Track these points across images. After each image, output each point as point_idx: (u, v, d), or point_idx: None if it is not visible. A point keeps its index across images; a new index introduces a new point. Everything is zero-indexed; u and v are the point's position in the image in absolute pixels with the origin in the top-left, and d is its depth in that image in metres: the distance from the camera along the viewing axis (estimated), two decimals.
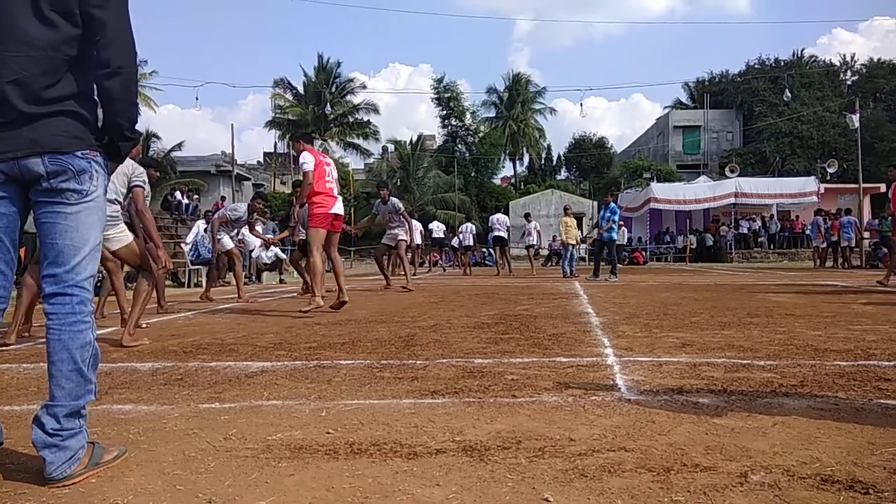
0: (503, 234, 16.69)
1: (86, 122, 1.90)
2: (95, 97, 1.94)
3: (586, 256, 27.25)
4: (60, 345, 1.86)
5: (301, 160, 6.39)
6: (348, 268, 20.74)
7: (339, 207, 6.54)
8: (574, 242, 15.23)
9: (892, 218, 12.53)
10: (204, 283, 9.89)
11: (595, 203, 37.15)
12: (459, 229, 18.80)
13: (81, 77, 1.89)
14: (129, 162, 5.18)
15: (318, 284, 6.28)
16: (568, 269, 14.67)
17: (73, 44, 1.87)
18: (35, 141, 1.82)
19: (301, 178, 6.56)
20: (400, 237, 10.45)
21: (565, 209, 16.20)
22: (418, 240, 17.29)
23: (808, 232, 23.44)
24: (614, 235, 13.26)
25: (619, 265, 13.37)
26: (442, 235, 20.68)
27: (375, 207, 10.67)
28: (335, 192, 6.51)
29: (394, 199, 10.36)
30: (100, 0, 1.86)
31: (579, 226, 28.76)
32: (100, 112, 1.96)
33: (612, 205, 13.24)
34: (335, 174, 6.63)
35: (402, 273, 10.99)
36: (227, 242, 8.54)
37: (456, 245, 19.77)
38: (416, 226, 16.65)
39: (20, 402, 2.76)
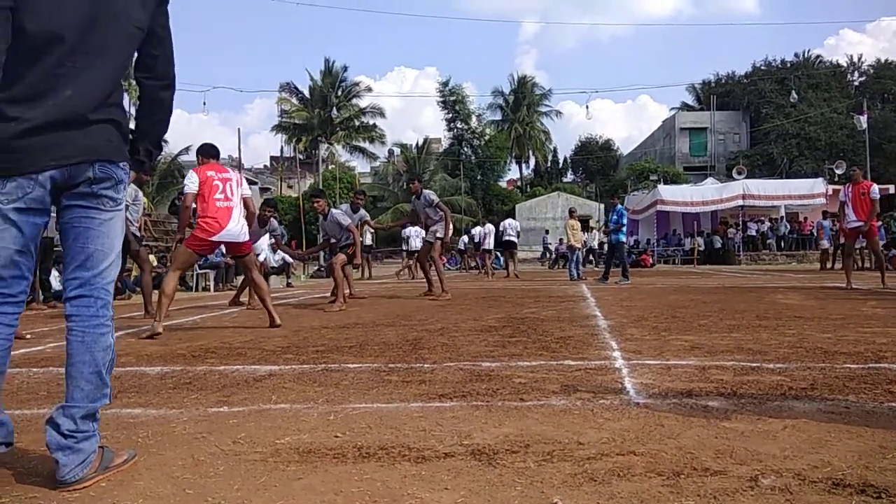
0: (514, 238, 17.29)
1: (124, 133, 1.97)
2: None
3: (594, 259, 27.23)
4: (84, 347, 1.88)
5: (185, 180, 5.74)
6: (357, 272, 20.70)
7: (229, 234, 5.54)
8: (580, 245, 15.18)
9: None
10: (212, 287, 9.91)
11: (602, 206, 37.14)
12: (483, 231, 18.31)
13: (122, 87, 1.98)
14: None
15: (161, 307, 5.29)
16: (575, 272, 14.64)
17: (131, 58, 1.97)
18: (91, 148, 1.86)
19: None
20: (438, 234, 9.12)
21: (570, 212, 16.16)
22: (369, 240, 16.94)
23: (814, 234, 23.34)
24: (622, 238, 13.18)
25: (617, 267, 13.28)
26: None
27: (413, 203, 9.69)
28: (235, 213, 5.57)
29: (427, 192, 9.22)
30: (165, 18, 2.00)
31: (586, 228, 28.79)
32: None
33: (619, 207, 13.18)
34: (242, 191, 5.74)
35: (432, 276, 9.62)
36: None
37: (472, 247, 19.74)
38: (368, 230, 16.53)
39: (30, 406, 2.77)
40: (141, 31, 1.93)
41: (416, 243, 17.09)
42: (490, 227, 17.97)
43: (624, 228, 13.20)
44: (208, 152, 5.84)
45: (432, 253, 9.26)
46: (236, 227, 5.58)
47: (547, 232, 33.66)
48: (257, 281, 5.89)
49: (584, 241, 14.82)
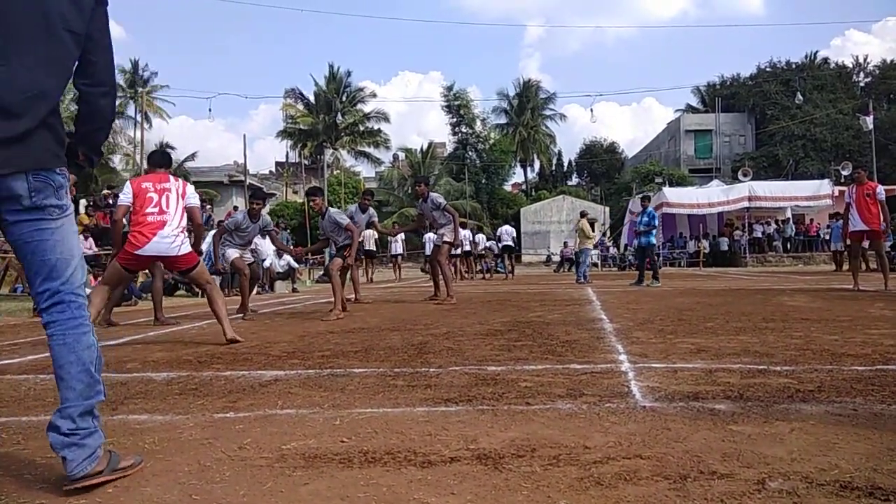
0: (510, 242, 19.79)
1: (60, 138, 1.92)
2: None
3: (599, 262, 27.19)
4: (67, 349, 1.88)
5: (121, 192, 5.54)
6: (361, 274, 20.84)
7: (156, 248, 5.10)
8: (591, 247, 15.21)
9: None
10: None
11: (607, 208, 37.14)
12: (498, 232, 20.31)
13: (58, 91, 1.90)
14: None
15: (94, 308, 4.96)
16: (582, 276, 14.67)
17: (73, 62, 1.92)
18: (23, 157, 1.80)
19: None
20: (445, 237, 8.99)
21: (582, 214, 16.27)
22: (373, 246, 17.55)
23: (823, 235, 23.23)
24: (652, 240, 13.20)
25: (623, 270, 13.35)
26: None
27: (419, 207, 9.54)
28: (168, 227, 5.14)
29: (433, 195, 9.09)
30: (102, 23, 1.97)
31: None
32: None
33: (650, 209, 13.15)
34: (186, 202, 5.36)
35: (438, 280, 9.60)
36: (231, 254, 7.99)
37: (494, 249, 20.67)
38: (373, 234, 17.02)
39: (37, 413, 2.78)
40: (75, 34, 1.88)
41: (430, 248, 17.48)
42: (467, 232, 18.69)
43: (654, 231, 13.20)
44: (156, 161, 5.63)
45: (439, 257, 9.10)
46: (165, 242, 5.11)
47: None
48: (210, 294, 5.39)
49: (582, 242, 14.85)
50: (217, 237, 8.13)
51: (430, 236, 18.23)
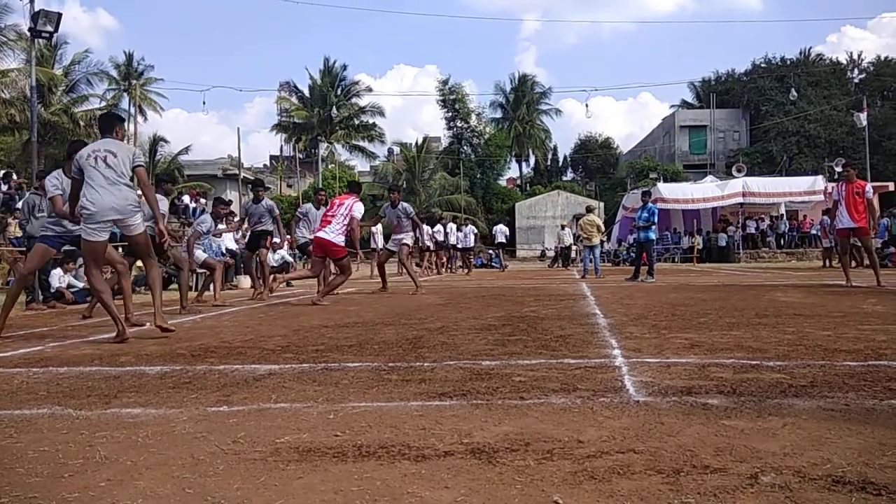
0: (503, 240, 22.75)
1: None
2: None
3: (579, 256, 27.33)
4: None
5: None
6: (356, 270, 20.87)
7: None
8: (597, 243, 15.30)
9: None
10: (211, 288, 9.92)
11: (602, 204, 37.17)
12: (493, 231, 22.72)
13: None
14: (128, 146, 5.34)
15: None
16: (584, 267, 14.92)
17: None
18: None
19: None
20: (404, 241, 10.14)
21: (588, 209, 16.39)
22: (429, 243, 17.83)
23: (813, 231, 23.35)
24: (651, 235, 13.21)
25: (616, 266, 13.45)
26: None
27: (382, 210, 10.53)
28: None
29: (405, 204, 10.19)
30: None
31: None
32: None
33: (650, 205, 13.16)
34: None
35: (416, 275, 10.66)
36: (200, 255, 8.79)
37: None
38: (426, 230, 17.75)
39: (30, 407, 2.77)
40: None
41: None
42: (439, 227, 19.48)
43: (654, 226, 13.24)
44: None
45: (400, 256, 10.28)
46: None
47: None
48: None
49: (589, 238, 14.95)
50: (192, 241, 8.80)
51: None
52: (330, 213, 8.28)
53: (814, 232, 23.41)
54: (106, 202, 4.82)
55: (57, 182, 5.71)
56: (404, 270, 10.71)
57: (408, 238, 10.16)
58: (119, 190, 4.88)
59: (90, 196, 4.82)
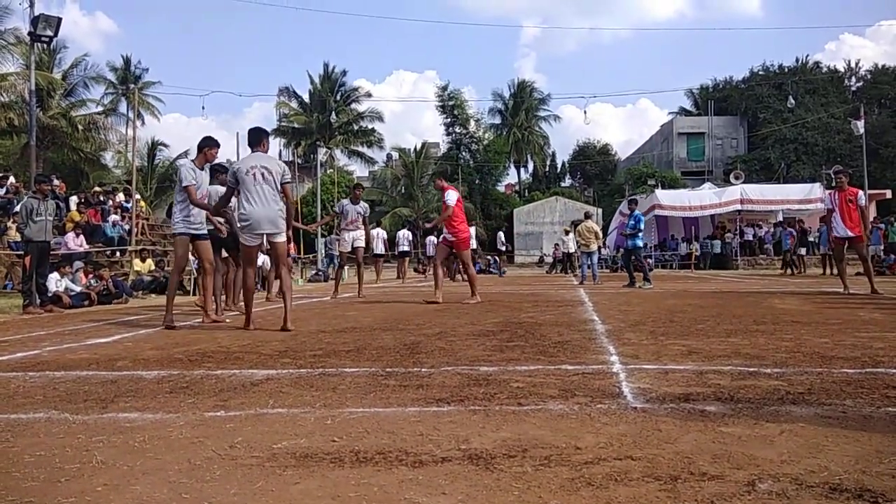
0: (501, 248, 25.33)
1: None
2: None
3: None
4: None
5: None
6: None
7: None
8: (595, 249, 15.34)
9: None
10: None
11: (600, 210, 37.21)
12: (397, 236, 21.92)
13: None
14: (277, 162, 6.01)
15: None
16: (581, 273, 14.98)
17: None
18: None
19: None
20: (357, 242, 10.36)
21: (586, 215, 16.40)
22: (381, 249, 18.35)
23: (811, 239, 23.37)
24: (639, 243, 13.40)
25: (614, 273, 13.51)
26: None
27: (339, 206, 10.72)
28: None
29: (364, 203, 10.54)
30: None
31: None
32: None
33: (637, 213, 13.37)
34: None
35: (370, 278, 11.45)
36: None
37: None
38: (380, 233, 19.02)
39: (26, 411, 2.76)
40: None
41: (430, 250, 19.62)
42: (405, 231, 20.75)
43: (641, 234, 13.42)
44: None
45: (358, 258, 10.56)
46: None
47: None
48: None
49: (587, 244, 15.00)
50: None
51: (429, 240, 20.35)
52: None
53: (811, 239, 23.40)
54: (261, 215, 5.67)
55: (191, 173, 6.26)
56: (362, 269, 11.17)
57: (361, 237, 10.39)
58: (273, 204, 5.71)
59: (247, 208, 5.68)
